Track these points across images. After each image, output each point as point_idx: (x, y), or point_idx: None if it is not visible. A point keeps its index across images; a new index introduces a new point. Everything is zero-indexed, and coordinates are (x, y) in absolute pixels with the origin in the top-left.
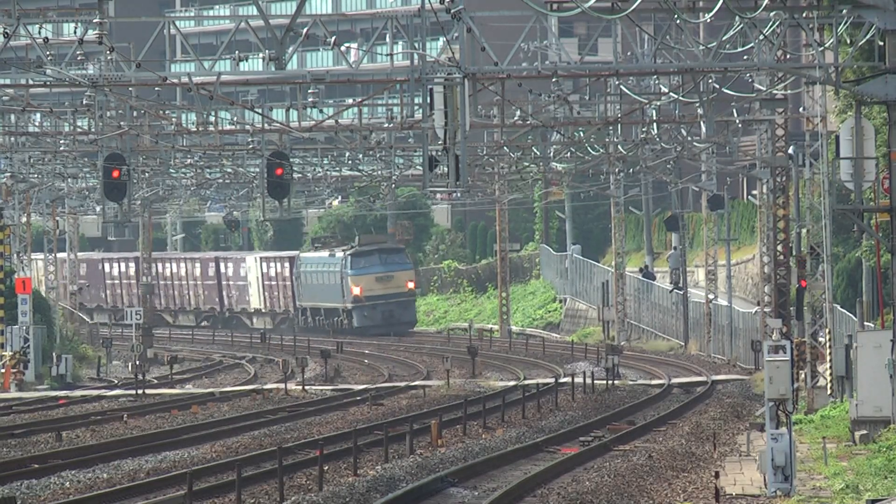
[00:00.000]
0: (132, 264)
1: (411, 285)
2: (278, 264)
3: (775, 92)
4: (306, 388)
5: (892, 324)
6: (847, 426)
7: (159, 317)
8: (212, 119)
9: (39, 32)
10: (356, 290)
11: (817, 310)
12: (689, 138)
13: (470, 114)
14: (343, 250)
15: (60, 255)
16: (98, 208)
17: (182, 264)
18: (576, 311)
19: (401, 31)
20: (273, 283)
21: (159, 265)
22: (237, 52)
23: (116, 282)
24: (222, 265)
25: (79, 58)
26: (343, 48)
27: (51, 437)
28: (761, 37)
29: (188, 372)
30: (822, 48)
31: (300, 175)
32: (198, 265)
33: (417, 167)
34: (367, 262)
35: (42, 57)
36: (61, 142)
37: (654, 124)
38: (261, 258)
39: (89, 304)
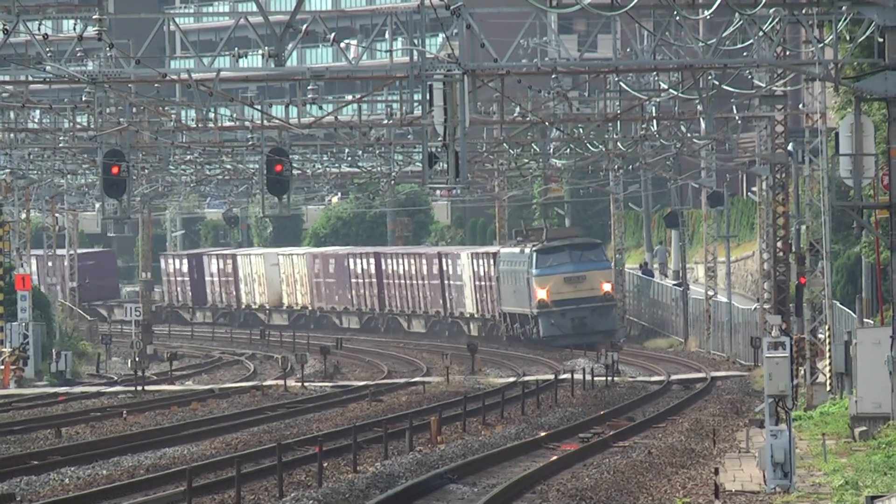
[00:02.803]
0: (371, 260)
1: (608, 287)
2: (485, 261)
3: (775, 88)
4: (306, 384)
5: (891, 320)
6: (846, 423)
7: (395, 321)
8: (211, 115)
9: (39, 29)
10: (541, 294)
11: (817, 306)
12: (689, 135)
13: (469, 110)
14: (531, 245)
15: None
16: (97, 205)
17: (411, 260)
18: None
19: (400, 28)
20: (482, 283)
21: (390, 261)
22: (237, 48)
23: (360, 280)
24: (444, 262)
25: (78, 54)
26: (342, 45)
27: (50, 433)
28: (761, 33)
29: (188, 368)
30: (821, 45)
31: (300, 171)
32: (424, 262)
33: (417, 164)
34: (555, 260)
35: (42, 53)
36: (61, 138)
37: (654, 121)
38: (472, 254)
39: (338, 307)
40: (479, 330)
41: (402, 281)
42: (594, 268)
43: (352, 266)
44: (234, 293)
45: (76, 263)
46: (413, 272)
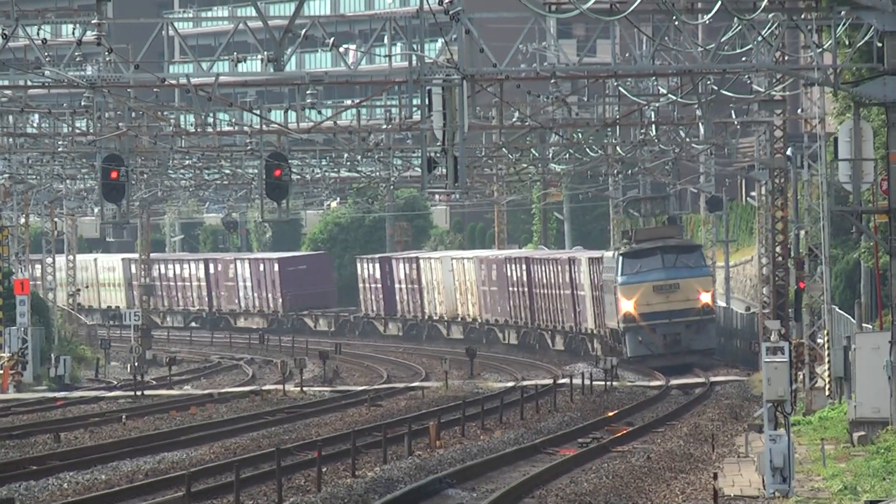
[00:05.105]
0: (523, 266)
1: (706, 298)
2: (598, 268)
3: (774, 93)
4: (305, 389)
5: (890, 325)
6: (845, 427)
7: (542, 337)
8: (210, 120)
9: (38, 33)
10: (627, 306)
11: (816, 311)
12: (688, 140)
13: (468, 115)
14: (620, 249)
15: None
16: (96, 209)
17: (550, 267)
18: None
19: (399, 33)
20: (598, 293)
21: (536, 267)
22: (235, 53)
23: (516, 289)
24: (573, 268)
25: (77, 59)
26: (341, 49)
27: (49, 438)
28: (760, 38)
29: (186, 373)
30: (820, 50)
31: (299, 176)
32: (558, 268)
33: (416, 168)
34: (643, 266)
35: (40, 58)
36: (59, 143)
37: (653, 126)
38: (589, 258)
39: (500, 319)
40: (601, 349)
41: (545, 291)
42: (689, 275)
43: (508, 273)
44: (420, 302)
45: (284, 269)
46: (552, 281)
